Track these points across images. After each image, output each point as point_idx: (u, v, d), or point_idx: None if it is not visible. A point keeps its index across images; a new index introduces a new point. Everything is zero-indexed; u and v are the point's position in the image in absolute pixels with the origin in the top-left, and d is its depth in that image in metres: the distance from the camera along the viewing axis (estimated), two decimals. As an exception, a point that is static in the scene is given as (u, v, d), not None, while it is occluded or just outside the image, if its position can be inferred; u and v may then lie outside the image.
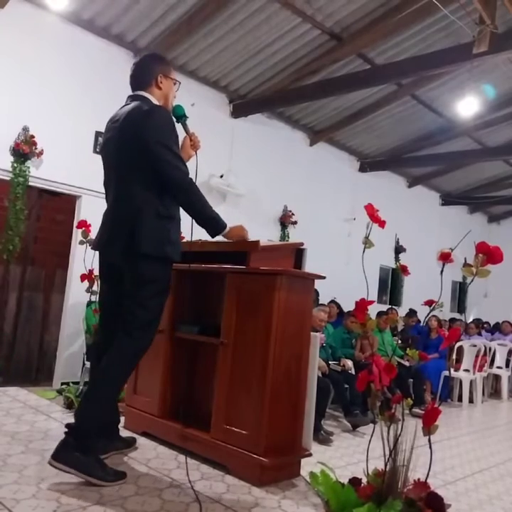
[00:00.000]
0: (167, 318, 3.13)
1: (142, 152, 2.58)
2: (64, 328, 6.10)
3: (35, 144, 5.54)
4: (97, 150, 6.02)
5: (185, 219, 2.74)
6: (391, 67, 6.62)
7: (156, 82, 2.76)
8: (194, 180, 2.67)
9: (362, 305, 2.28)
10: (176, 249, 2.66)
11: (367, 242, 2.33)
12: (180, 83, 2.88)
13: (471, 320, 9.91)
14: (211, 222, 2.68)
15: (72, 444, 2.41)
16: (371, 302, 2.29)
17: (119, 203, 2.67)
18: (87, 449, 2.45)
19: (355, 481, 2.38)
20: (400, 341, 7.00)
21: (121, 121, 2.69)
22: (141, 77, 2.79)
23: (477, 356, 7.26)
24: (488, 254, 2.11)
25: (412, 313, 8.58)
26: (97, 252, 2.83)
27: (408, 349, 2.75)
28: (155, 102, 2.74)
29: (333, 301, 7.09)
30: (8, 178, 5.52)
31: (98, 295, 2.98)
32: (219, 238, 2.77)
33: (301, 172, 8.70)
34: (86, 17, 5.91)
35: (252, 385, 2.72)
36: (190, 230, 2.67)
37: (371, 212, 2.34)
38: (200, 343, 3.14)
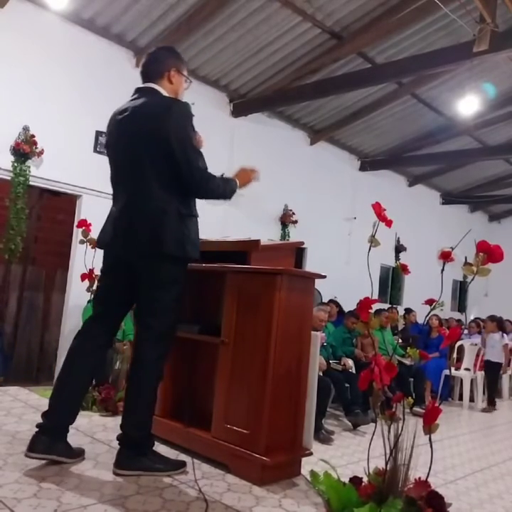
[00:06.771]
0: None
1: (162, 148, 2.49)
2: (64, 328, 6.11)
3: (35, 143, 5.54)
4: (98, 149, 6.02)
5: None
6: (391, 66, 6.62)
7: (168, 75, 2.65)
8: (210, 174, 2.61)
9: (366, 304, 2.27)
10: (195, 247, 2.62)
11: (373, 241, 2.32)
12: (191, 82, 2.79)
13: (471, 319, 9.90)
14: (229, 195, 2.73)
15: (130, 452, 2.56)
16: (375, 301, 2.29)
17: (137, 201, 2.55)
18: (144, 450, 2.60)
19: (356, 480, 2.38)
20: (400, 340, 7.00)
21: (136, 116, 2.55)
22: (153, 67, 2.67)
23: (478, 355, 7.25)
24: (489, 253, 2.11)
25: (408, 311, 8.60)
26: (101, 249, 2.74)
27: (409, 348, 2.74)
28: (166, 95, 2.62)
29: (332, 301, 7.10)
30: (8, 178, 5.52)
31: (96, 290, 2.90)
32: (220, 238, 2.77)
33: (301, 171, 8.69)
34: (86, 16, 5.91)
35: (253, 384, 2.72)
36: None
37: (379, 211, 2.32)
38: (201, 342, 3.14)
